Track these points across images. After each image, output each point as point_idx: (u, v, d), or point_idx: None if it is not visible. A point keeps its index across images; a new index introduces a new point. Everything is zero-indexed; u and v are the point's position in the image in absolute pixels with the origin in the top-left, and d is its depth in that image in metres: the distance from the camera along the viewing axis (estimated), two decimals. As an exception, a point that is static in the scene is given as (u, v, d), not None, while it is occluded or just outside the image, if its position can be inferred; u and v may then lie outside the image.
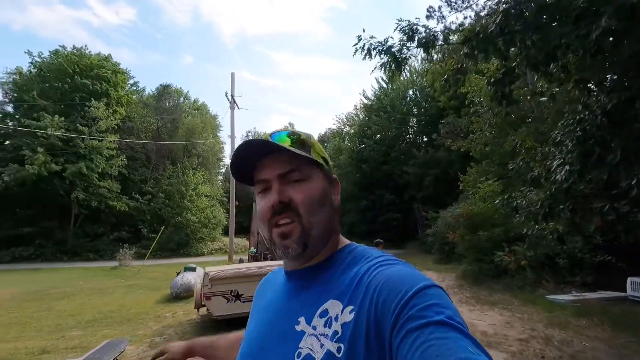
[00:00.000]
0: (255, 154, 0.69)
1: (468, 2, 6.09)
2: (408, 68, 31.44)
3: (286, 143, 0.69)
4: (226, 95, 17.11)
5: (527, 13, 4.42)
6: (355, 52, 4.66)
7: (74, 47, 25.08)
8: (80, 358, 4.27)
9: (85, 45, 26.25)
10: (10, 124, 22.79)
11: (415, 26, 4.53)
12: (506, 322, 6.40)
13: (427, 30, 4.58)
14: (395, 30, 4.54)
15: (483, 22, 4.61)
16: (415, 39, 4.51)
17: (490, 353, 0.57)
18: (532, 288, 8.74)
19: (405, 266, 0.62)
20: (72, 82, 23.84)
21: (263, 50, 77.50)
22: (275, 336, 0.66)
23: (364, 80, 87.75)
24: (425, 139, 28.25)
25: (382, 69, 5.19)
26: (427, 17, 5.62)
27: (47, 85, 23.77)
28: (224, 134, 36.88)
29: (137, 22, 61.28)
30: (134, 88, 31.08)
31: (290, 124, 47.35)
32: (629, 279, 5.15)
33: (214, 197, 29.41)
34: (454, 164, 21.71)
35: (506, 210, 6.80)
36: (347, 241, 0.75)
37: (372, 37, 4.61)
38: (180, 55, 70.65)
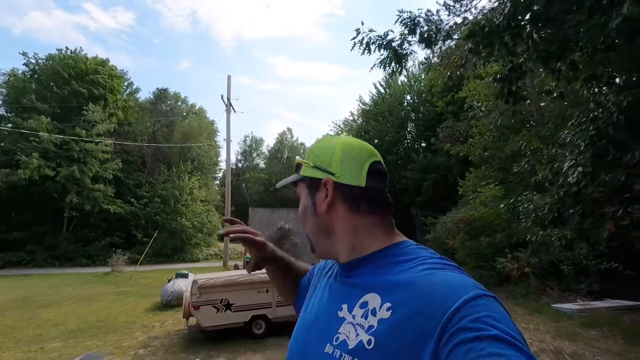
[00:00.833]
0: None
1: (467, 6, 5.85)
2: (405, 73, 31.53)
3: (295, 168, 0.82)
4: (222, 98, 16.86)
5: (536, 7, 4.17)
6: (353, 47, 4.39)
7: (67, 48, 24.77)
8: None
9: (80, 48, 25.99)
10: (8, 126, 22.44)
11: (417, 18, 4.26)
12: (512, 333, 6.07)
13: (430, 24, 4.31)
14: (396, 22, 4.28)
15: (489, 16, 4.34)
16: (417, 33, 4.24)
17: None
18: (536, 296, 8.43)
19: (454, 271, 0.61)
20: (69, 86, 23.56)
21: (261, 54, 77.55)
22: (322, 318, 0.71)
23: (361, 86, 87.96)
24: (424, 144, 28.12)
25: (382, 66, 4.91)
26: (426, 21, 5.38)
27: (43, 88, 23.47)
28: (221, 139, 36.55)
29: (135, 27, 61.12)
30: (129, 91, 30.73)
31: (288, 129, 47.25)
32: (643, 289, 4.86)
33: (209, 202, 29.02)
34: (453, 169, 21.51)
35: (512, 215, 6.50)
36: (401, 238, 0.74)
37: (371, 31, 4.34)
38: (178, 60, 70.48)
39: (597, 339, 5.56)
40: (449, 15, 4.44)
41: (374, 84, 31.93)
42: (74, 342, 6.28)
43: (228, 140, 17.46)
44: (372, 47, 4.36)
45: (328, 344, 0.64)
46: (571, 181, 4.12)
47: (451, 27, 4.49)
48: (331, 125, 54.19)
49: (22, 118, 21.55)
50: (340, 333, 0.63)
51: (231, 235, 0.94)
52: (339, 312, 0.67)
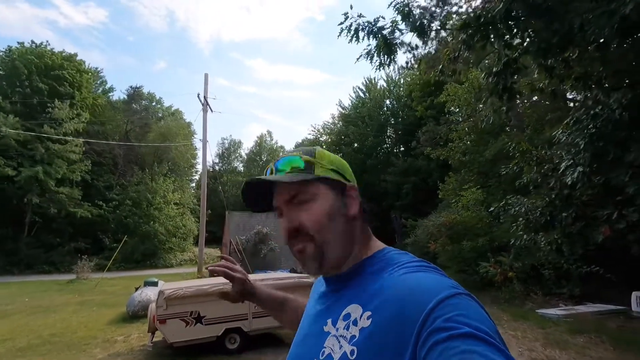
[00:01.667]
0: (264, 188, 0.73)
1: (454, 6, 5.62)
2: (385, 78, 31.72)
3: (287, 169, 0.71)
4: (198, 96, 16.16)
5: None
6: (340, 33, 4.02)
7: (33, 42, 23.33)
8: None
9: (47, 42, 24.54)
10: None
11: (411, 4, 3.94)
12: (500, 341, 5.84)
13: (424, 11, 4.01)
14: (389, 6, 3.93)
15: (485, 5, 4.07)
16: (410, 20, 3.93)
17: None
18: (520, 301, 8.30)
19: (430, 272, 0.61)
20: (31, 82, 22.12)
21: (239, 56, 76.43)
22: (311, 334, 0.71)
23: (341, 91, 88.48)
24: (403, 148, 28.31)
25: (369, 57, 4.57)
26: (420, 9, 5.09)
27: (3, 83, 21.95)
28: (197, 140, 35.43)
29: (108, 24, 58.87)
30: (101, 89, 29.36)
31: (268, 132, 46.48)
32: (634, 294, 4.73)
33: (184, 205, 27.97)
34: (432, 173, 21.63)
35: (500, 218, 6.30)
36: (382, 246, 0.75)
37: (360, 16, 4.00)
38: (153, 60, 68.42)
39: (587, 347, 5.39)
40: (443, 6, 4.17)
41: (353, 89, 31.97)
42: (22, 361, 5.57)
43: (204, 141, 16.75)
44: (361, 35, 4.01)
45: (315, 359, 0.64)
46: (569, 182, 3.90)
47: (445, 16, 4.22)
48: (310, 128, 54.08)
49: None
50: (325, 347, 0.64)
51: (212, 269, 1.03)
52: (324, 327, 0.67)
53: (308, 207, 0.69)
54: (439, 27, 4.23)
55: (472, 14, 4.05)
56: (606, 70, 4.82)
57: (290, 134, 78.80)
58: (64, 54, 24.61)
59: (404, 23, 3.98)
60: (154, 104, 34.14)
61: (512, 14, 3.93)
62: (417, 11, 4.01)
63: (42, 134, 19.97)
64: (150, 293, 8.50)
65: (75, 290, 14.03)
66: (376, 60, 4.46)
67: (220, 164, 44.59)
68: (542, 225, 4.76)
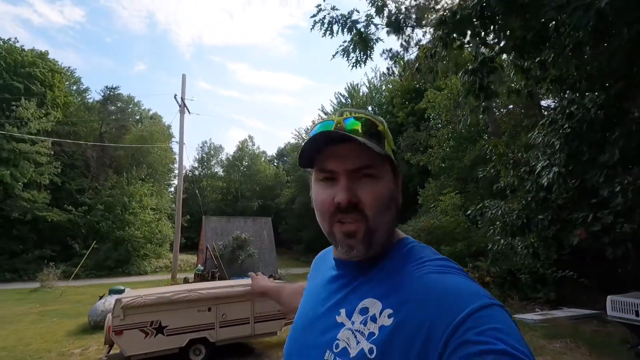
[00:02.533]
0: (326, 139, 0.62)
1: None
2: (367, 84, 32.03)
3: (358, 131, 0.61)
4: (175, 97, 15.71)
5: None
6: (313, 26, 3.84)
7: (0, 38, 22.27)
8: None
9: (15, 38, 23.50)
10: None
11: (386, -2, 3.80)
12: (477, 347, 5.71)
13: (399, 4, 3.88)
14: (362, -2, 3.79)
15: (460, 2, 3.97)
16: (385, 14, 3.78)
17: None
18: (497, 306, 8.25)
19: (459, 275, 0.57)
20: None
21: (221, 60, 75.60)
22: (318, 321, 0.66)
23: (323, 98, 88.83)
24: (384, 154, 28.45)
25: (345, 54, 4.39)
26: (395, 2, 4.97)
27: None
28: (176, 144, 34.49)
29: (85, 24, 57.15)
30: (75, 88, 28.29)
31: (250, 137, 45.84)
32: (609, 298, 4.71)
33: (161, 210, 27.10)
34: (413, 178, 21.76)
35: (476, 221, 6.21)
36: (402, 235, 0.70)
37: (333, 9, 3.82)
38: (132, 62, 66.71)
39: (564, 352, 5.32)
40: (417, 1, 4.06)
41: (335, 94, 32.10)
42: (-38, 379, 5.05)
43: (181, 143, 16.28)
44: (335, 28, 3.83)
45: (328, 351, 0.60)
46: (545, 182, 3.81)
47: (420, 10, 4.10)
48: (293, 133, 53.87)
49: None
50: (339, 340, 0.60)
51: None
52: (337, 316, 0.63)
53: (374, 184, 0.62)
54: (414, 24, 4.11)
55: (447, 11, 3.94)
56: (580, 74, 4.82)
57: (272, 140, 78.30)
58: (34, 51, 23.58)
59: (379, 17, 3.84)
60: (131, 106, 33.16)
61: (487, 11, 3.84)
62: (392, 6, 3.88)
63: (7, 133, 18.97)
64: (115, 302, 8.02)
65: (38, 299, 13.21)
66: (352, 57, 4.30)
67: (199, 169, 43.64)
68: (518, 229, 4.68)
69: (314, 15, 3.84)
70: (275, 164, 44.92)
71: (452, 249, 10.26)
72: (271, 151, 49.54)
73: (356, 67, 4.47)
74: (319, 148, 0.63)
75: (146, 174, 28.45)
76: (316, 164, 0.65)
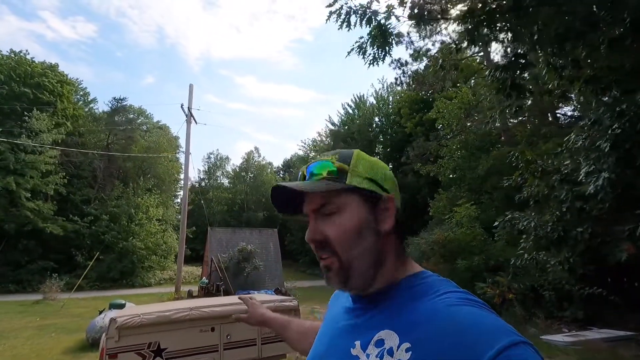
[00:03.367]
0: (292, 194, 0.68)
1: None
2: (374, 95, 31.93)
3: (321, 174, 0.66)
4: (182, 107, 15.55)
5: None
6: (329, 17, 3.51)
7: (12, 50, 22.55)
8: None
9: (27, 50, 23.76)
10: None
11: (409, -16, 3.48)
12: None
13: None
14: (383, -15, 3.47)
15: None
16: (407, 4, 3.45)
17: None
18: (522, 326, 7.67)
19: (483, 309, 0.55)
20: (8, 90, 21.21)
21: (229, 74, 76.28)
22: (334, 353, 0.66)
23: (330, 109, 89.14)
24: (392, 165, 28.13)
25: (360, 51, 4.05)
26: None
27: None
28: (182, 154, 34.42)
29: (97, 39, 58.22)
30: (83, 100, 28.48)
31: (256, 149, 45.75)
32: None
33: (167, 222, 26.86)
34: (421, 189, 21.35)
35: (497, 235, 5.76)
36: (419, 268, 0.69)
37: (352, -3, 3.49)
38: (141, 75, 67.62)
39: (605, 381, 4.79)
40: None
41: (342, 105, 32.06)
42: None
43: (187, 153, 16.05)
44: (353, 20, 3.50)
45: None
46: (592, 190, 3.38)
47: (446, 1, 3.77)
48: (300, 144, 53.80)
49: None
50: None
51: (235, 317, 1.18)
52: (352, 349, 0.62)
53: (335, 219, 0.64)
54: (438, 16, 3.77)
55: (477, 2, 3.60)
56: (617, 72, 4.42)
57: (278, 151, 78.39)
58: (44, 63, 23.83)
59: (401, 7, 3.51)
60: (141, 118, 33.30)
61: (522, 1, 3.49)
62: (416, -3, 3.55)
63: (19, 142, 18.95)
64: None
65: (39, 312, 12.88)
66: (369, 54, 3.96)
67: (206, 180, 43.55)
68: (554, 242, 4.22)
69: (330, 5, 3.51)
70: (281, 174, 44.69)
71: (469, 263, 9.73)
72: (277, 162, 49.33)
73: (373, 65, 4.15)
74: (289, 198, 0.69)
75: (153, 184, 28.34)
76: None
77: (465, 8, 3.43)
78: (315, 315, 9.91)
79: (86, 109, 29.43)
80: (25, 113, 20.71)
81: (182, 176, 33.81)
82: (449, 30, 4.04)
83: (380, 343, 0.58)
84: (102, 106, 35.00)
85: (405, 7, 3.53)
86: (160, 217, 25.99)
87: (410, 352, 0.53)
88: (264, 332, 4.84)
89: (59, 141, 22.46)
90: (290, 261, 30.00)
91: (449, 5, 3.79)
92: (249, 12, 77.57)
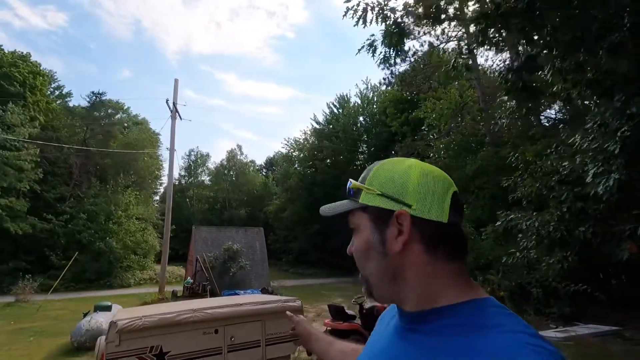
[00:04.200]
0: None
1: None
2: (359, 94, 32.06)
3: (349, 194, 0.68)
4: (167, 102, 15.10)
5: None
6: (345, 13, 3.45)
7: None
8: None
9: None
10: None
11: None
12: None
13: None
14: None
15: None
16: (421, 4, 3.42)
17: None
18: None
19: (551, 357, 0.46)
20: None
21: (208, 69, 74.89)
22: None
23: (312, 108, 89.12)
24: (376, 165, 28.38)
25: (371, 50, 4.00)
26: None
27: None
28: (163, 149, 33.37)
29: (68, 29, 55.88)
30: (57, 93, 27.26)
31: (238, 146, 45.03)
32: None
33: (147, 220, 26.07)
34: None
35: (484, 235, 5.85)
36: (482, 293, 0.59)
37: (370, -6, 3.44)
38: (117, 68, 65.46)
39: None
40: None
41: (327, 104, 32.04)
42: None
43: (172, 150, 15.60)
44: (369, 16, 3.44)
45: None
46: (601, 191, 3.47)
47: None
48: (283, 142, 53.40)
49: None
50: None
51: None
52: None
53: (355, 237, 0.67)
54: (451, 16, 3.79)
55: (490, 3, 3.62)
56: (616, 77, 4.56)
57: (260, 149, 77.69)
58: (15, 53, 22.63)
59: (418, 5, 3.48)
60: (120, 113, 32.12)
61: (535, 4, 3.53)
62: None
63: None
64: (102, 319, 7.30)
65: (12, 315, 12.20)
66: (380, 52, 3.93)
67: (186, 177, 42.61)
68: (557, 241, 4.32)
69: (348, 0, 3.44)
70: (264, 173, 44.26)
71: (459, 262, 9.93)
72: (260, 160, 48.82)
73: (383, 65, 4.13)
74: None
75: (133, 182, 27.45)
76: None
77: (477, 11, 3.46)
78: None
79: (58, 102, 28.16)
80: None
81: (163, 172, 32.98)
82: (449, 31, 4.07)
83: None
84: (77, 99, 33.61)
85: (421, 4, 3.53)
86: (140, 215, 25.22)
87: None
88: (268, 332, 4.73)
89: (33, 136, 21.38)
90: (274, 260, 29.78)
91: (464, 6, 3.82)
92: (229, 7, 76.50)
